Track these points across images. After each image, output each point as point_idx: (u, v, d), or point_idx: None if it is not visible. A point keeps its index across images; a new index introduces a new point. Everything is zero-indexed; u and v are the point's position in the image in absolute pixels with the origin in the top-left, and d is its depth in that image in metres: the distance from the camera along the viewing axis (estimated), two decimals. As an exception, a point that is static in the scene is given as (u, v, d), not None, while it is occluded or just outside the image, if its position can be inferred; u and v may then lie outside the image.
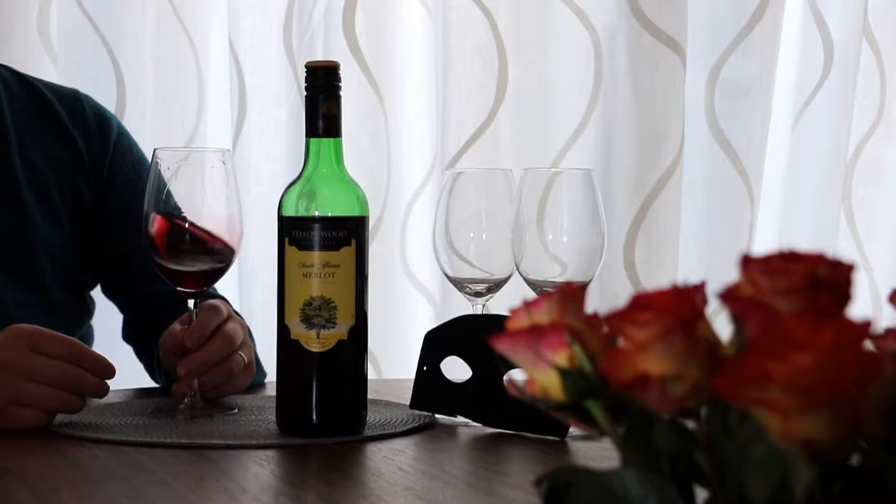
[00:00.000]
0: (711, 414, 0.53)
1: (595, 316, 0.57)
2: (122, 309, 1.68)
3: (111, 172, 1.63)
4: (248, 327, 1.42)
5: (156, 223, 1.27)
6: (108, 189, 1.63)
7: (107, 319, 1.77)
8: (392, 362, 2.22)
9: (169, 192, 1.27)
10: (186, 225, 1.27)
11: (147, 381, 1.63)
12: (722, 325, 0.55)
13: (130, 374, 1.67)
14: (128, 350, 1.67)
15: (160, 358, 1.50)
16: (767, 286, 0.50)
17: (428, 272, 2.24)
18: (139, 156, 1.67)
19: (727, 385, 0.46)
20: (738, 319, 0.52)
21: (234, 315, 1.39)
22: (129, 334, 1.67)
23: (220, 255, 1.29)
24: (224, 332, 1.34)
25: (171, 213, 1.27)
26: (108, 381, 1.26)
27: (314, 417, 1.18)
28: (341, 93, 1.20)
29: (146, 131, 2.08)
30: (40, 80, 1.68)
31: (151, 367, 1.60)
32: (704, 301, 0.53)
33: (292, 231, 1.18)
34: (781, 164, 2.39)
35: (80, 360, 1.23)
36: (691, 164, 2.30)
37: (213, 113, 2.22)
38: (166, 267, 1.29)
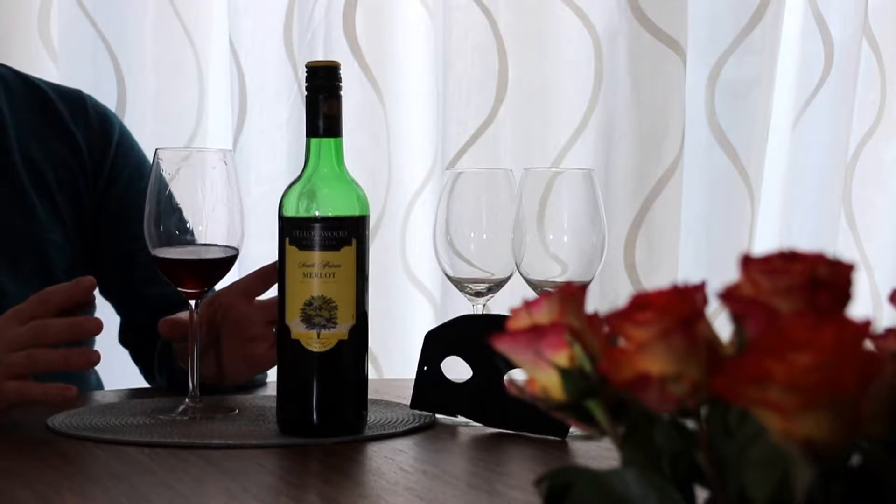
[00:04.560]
0: (711, 414, 0.53)
1: (595, 316, 0.57)
2: (119, 311, 1.67)
3: (112, 172, 1.63)
4: None
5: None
6: (108, 189, 1.63)
7: (106, 321, 1.77)
8: (392, 362, 2.22)
9: (170, 193, 1.27)
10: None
11: (141, 379, 1.63)
12: (722, 324, 0.55)
13: (131, 374, 1.67)
14: (123, 351, 1.67)
15: (161, 354, 1.50)
16: (767, 286, 0.50)
17: (428, 272, 2.24)
18: (141, 157, 1.67)
19: (727, 385, 0.46)
20: (738, 319, 0.52)
21: None
22: (125, 338, 1.66)
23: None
24: None
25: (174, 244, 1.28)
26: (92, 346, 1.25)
27: (315, 417, 1.18)
28: (342, 93, 1.20)
29: (147, 131, 2.08)
30: (43, 80, 1.68)
31: (150, 369, 1.60)
32: (704, 301, 0.53)
33: (293, 231, 1.18)
34: (782, 163, 2.39)
35: (50, 308, 1.23)
36: (691, 163, 2.29)
37: (213, 113, 2.22)
38: (168, 267, 1.29)
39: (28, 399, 1.21)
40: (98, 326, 1.24)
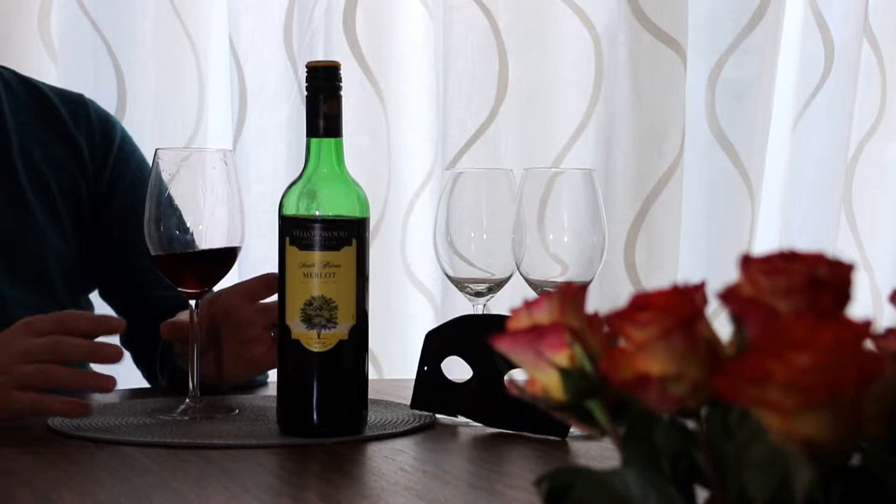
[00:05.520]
0: (712, 414, 0.53)
1: (596, 316, 0.57)
2: (120, 314, 1.67)
3: (113, 175, 1.63)
4: None
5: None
6: (109, 192, 1.63)
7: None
8: (393, 362, 2.22)
9: (170, 194, 1.27)
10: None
11: (143, 381, 1.63)
12: (722, 324, 0.55)
13: (132, 374, 1.67)
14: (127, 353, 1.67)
15: (163, 355, 1.50)
16: (767, 286, 0.50)
17: (428, 272, 2.24)
18: (142, 161, 1.67)
19: (727, 385, 0.46)
20: (738, 319, 0.52)
21: None
22: (127, 340, 1.66)
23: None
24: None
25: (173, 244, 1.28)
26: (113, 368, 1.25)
27: (315, 417, 1.18)
28: (342, 93, 1.20)
29: (147, 131, 2.08)
30: (45, 84, 1.68)
31: (152, 370, 1.60)
32: (705, 301, 0.53)
33: (293, 231, 1.18)
34: (782, 163, 2.39)
35: (73, 329, 1.23)
36: (692, 164, 2.30)
37: (213, 113, 2.22)
38: (168, 267, 1.29)
39: (40, 411, 1.21)
40: (118, 354, 1.22)
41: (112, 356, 1.22)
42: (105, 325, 1.24)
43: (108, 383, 1.22)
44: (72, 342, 1.21)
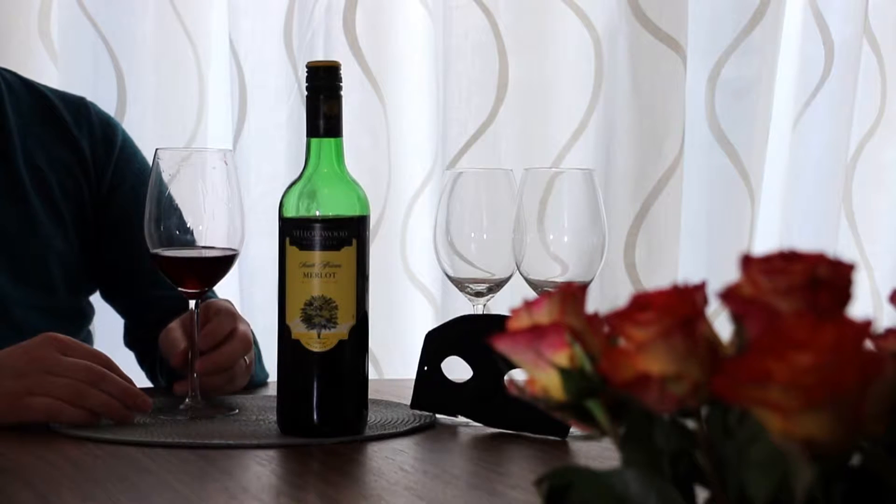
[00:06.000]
0: (712, 414, 0.53)
1: (596, 316, 0.57)
2: (123, 314, 1.67)
3: (115, 178, 1.63)
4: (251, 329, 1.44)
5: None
6: (111, 194, 1.63)
7: (106, 326, 1.78)
8: (393, 362, 2.22)
9: (170, 193, 1.27)
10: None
11: (147, 381, 1.63)
12: (722, 324, 0.55)
13: (132, 374, 1.67)
14: (127, 352, 1.67)
15: (162, 356, 1.50)
16: (768, 286, 0.50)
17: (428, 272, 2.24)
18: (143, 163, 1.67)
19: (727, 385, 0.46)
20: (738, 319, 0.52)
21: (241, 317, 1.41)
22: (131, 340, 1.67)
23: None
24: (239, 334, 1.37)
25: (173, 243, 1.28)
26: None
27: (315, 417, 1.18)
28: (342, 93, 1.20)
29: (147, 131, 2.07)
30: (47, 87, 1.68)
31: (153, 369, 1.60)
32: (705, 301, 0.53)
33: (293, 231, 1.18)
34: (782, 163, 2.39)
35: (97, 370, 1.23)
36: (692, 163, 2.29)
37: (213, 113, 2.22)
38: (168, 267, 1.29)
39: (52, 419, 1.21)
40: (147, 407, 1.24)
41: (144, 407, 1.24)
42: (131, 398, 1.24)
43: (146, 405, 1.24)
44: (114, 379, 1.23)
